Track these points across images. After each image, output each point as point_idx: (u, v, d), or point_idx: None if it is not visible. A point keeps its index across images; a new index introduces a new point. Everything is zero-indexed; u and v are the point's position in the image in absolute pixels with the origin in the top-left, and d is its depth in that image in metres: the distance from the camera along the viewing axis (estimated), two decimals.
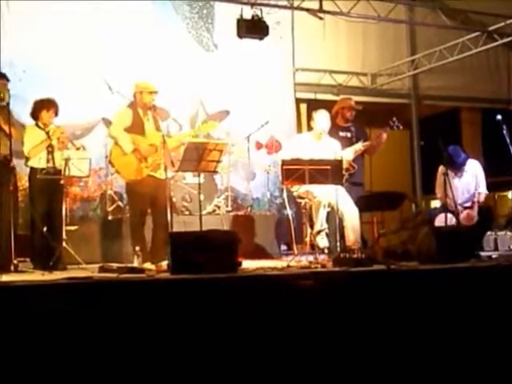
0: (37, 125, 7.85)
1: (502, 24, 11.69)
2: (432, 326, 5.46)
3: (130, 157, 7.45)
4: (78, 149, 7.76)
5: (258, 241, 9.37)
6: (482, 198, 8.82)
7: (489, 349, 5.30)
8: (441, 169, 8.61)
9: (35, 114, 7.88)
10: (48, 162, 7.67)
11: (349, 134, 8.71)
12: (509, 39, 11.81)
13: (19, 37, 10.12)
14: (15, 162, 7.46)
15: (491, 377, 5.11)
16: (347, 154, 8.08)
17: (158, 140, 7.42)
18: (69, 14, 10.34)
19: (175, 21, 11.40)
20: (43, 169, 7.65)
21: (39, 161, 7.69)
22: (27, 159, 7.74)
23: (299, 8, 11.02)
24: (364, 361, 5.03)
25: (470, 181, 8.83)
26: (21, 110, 8.45)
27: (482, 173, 8.86)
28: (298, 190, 7.87)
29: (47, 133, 7.72)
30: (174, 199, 9.05)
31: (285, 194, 7.67)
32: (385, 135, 8.48)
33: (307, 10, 11.00)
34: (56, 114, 7.88)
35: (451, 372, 5.15)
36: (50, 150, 7.68)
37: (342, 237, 7.71)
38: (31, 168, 7.74)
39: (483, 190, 8.84)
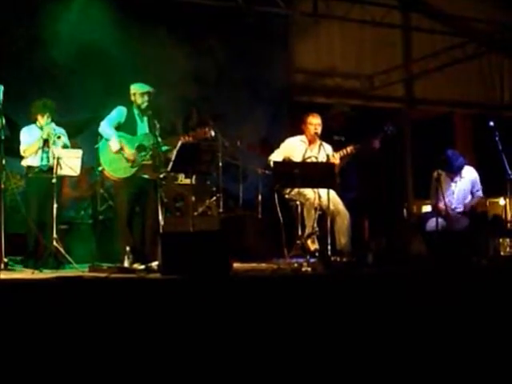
0: (36, 125, 7.94)
1: (497, 30, 11.75)
2: (423, 329, 5.46)
3: (116, 155, 7.47)
4: (58, 137, 7.79)
5: (249, 243, 9.36)
6: (475, 202, 8.85)
7: (471, 354, 5.30)
8: (435, 174, 8.63)
9: (32, 117, 7.98)
10: (42, 160, 7.75)
11: (343, 138, 8.69)
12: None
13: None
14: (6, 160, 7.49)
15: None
16: (338, 157, 8.07)
17: (150, 141, 7.45)
18: (62, 13, 10.28)
19: (169, 22, 11.35)
20: (38, 167, 7.74)
21: (34, 159, 7.78)
22: (22, 158, 7.83)
23: (294, 11, 11.00)
24: (352, 364, 5.02)
25: (467, 187, 8.86)
26: (13, 108, 8.42)
27: (478, 179, 8.90)
28: (290, 192, 7.88)
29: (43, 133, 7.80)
30: (165, 200, 9.04)
31: (276, 196, 7.66)
32: (378, 141, 8.45)
33: (302, 13, 10.98)
34: (52, 116, 7.93)
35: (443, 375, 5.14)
36: (46, 149, 7.75)
37: (333, 240, 7.70)
38: (28, 167, 7.84)
39: (480, 194, 8.89)
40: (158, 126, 7.53)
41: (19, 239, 7.92)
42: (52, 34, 9.64)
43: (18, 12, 9.98)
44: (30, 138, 7.90)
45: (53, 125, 7.93)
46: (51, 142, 7.78)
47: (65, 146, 7.88)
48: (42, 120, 7.95)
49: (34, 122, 8.04)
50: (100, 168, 7.76)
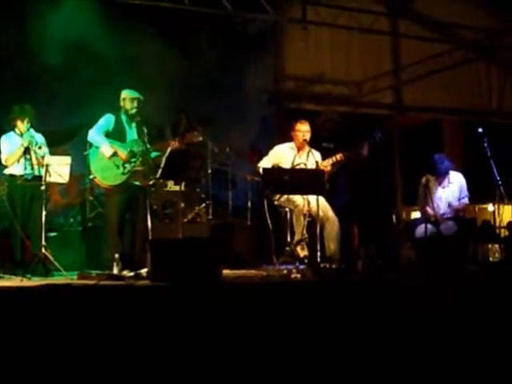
0: (15, 132, 7.89)
1: (485, 37, 11.81)
2: (412, 336, 5.47)
3: (107, 162, 7.44)
4: (39, 147, 7.73)
5: (238, 249, 9.35)
6: (461, 207, 8.84)
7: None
8: (423, 179, 8.64)
9: (11, 123, 7.92)
10: (25, 168, 7.72)
11: (331, 145, 8.69)
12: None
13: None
14: None
15: None
16: (327, 164, 8.07)
17: (139, 148, 7.44)
18: (50, 18, 10.25)
19: (159, 27, 11.33)
20: (22, 175, 7.70)
21: (17, 168, 7.74)
22: (5, 167, 7.79)
23: (283, 17, 11.02)
24: (342, 371, 5.02)
25: (455, 192, 8.85)
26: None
27: (465, 184, 8.89)
28: (279, 199, 7.88)
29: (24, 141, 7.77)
30: (154, 206, 9.03)
31: (265, 203, 7.66)
32: (366, 147, 8.45)
33: (290, 19, 11.00)
34: (32, 122, 7.88)
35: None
36: (28, 157, 7.71)
37: (322, 246, 7.70)
38: (10, 175, 7.78)
39: (466, 201, 8.87)
40: (145, 131, 7.52)
41: (7, 246, 7.89)
42: (40, 39, 9.62)
43: (5, 17, 9.94)
44: (10, 147, 7.83)
45: (32, 131, 7.86)
46: (32, 150, 7.72)
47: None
48: (22, 126, 7.86)
49: (13, 128, 7.97)
50: (91, 176, 7.70)
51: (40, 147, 7.75)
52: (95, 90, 9.65)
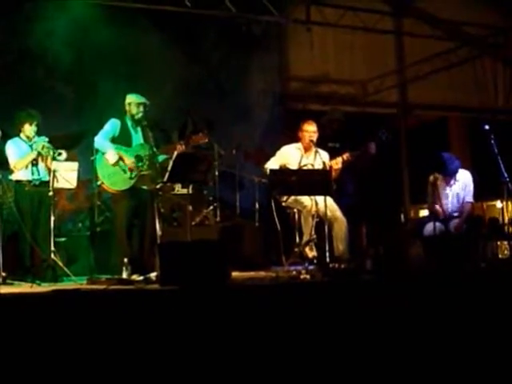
0: (20, 138, 7.89)
1: (489, 34, 11.80)
2: (423, 335, 5.46)
3: (114, 167, 7.44)
4: (59, 154, 7.70)
5: (247, 251, 9.35)
6: (467, 208, 8.80)
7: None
8: (431, 178, 8.62)
9: (17, 128, 7.91)
10: (33, 174, 7.73)
11: (337, 145, 8.68)
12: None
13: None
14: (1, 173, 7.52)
15: None
16: (338, 162, 8.04)
17: (146, 152, 7.44)
18: (58, 24, 10.28)
19: (163, 31, 11.36)
20: (30, 181, 7.70)
21: (25, 173, 7.74)
22: (11, 172, 7.78)
23: (287, 18, 11.03)
24: (352, 371, 5.01)
25: (460, 190, 8.83)
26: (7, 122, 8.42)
27: (471, 183, 8.86)
28: (287, 200, 7.87)
29: (31, 146, 7.77)
30: (162, 210, 9.03)
31: (273, 204, 7.65)
32: (373, 146, 8.44)
33: (294, 20, 11.01)
34: (39, 126, 7.88)
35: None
36: (35, 162, 7.72)
37: (331, 247, 7.69)
38: (17, 181, 7.78)
39: (470, 199, 8.84)
40: (150, 134, 7.51)
41: (16, 253, 7.89)
42: (43, 43, 9.64)
43: (8, 21, 9.95)
44: (20, 151, 7.83)
45: (37, 137, 7.86)
46: (50, 156, 7.70)
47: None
48: (29, 129, 7.86)
49: (18, 134, 7.96)
50: (99, 182, 7.68)
51: (60, 153, 7.70)
52: (100, 94, 9.67)
